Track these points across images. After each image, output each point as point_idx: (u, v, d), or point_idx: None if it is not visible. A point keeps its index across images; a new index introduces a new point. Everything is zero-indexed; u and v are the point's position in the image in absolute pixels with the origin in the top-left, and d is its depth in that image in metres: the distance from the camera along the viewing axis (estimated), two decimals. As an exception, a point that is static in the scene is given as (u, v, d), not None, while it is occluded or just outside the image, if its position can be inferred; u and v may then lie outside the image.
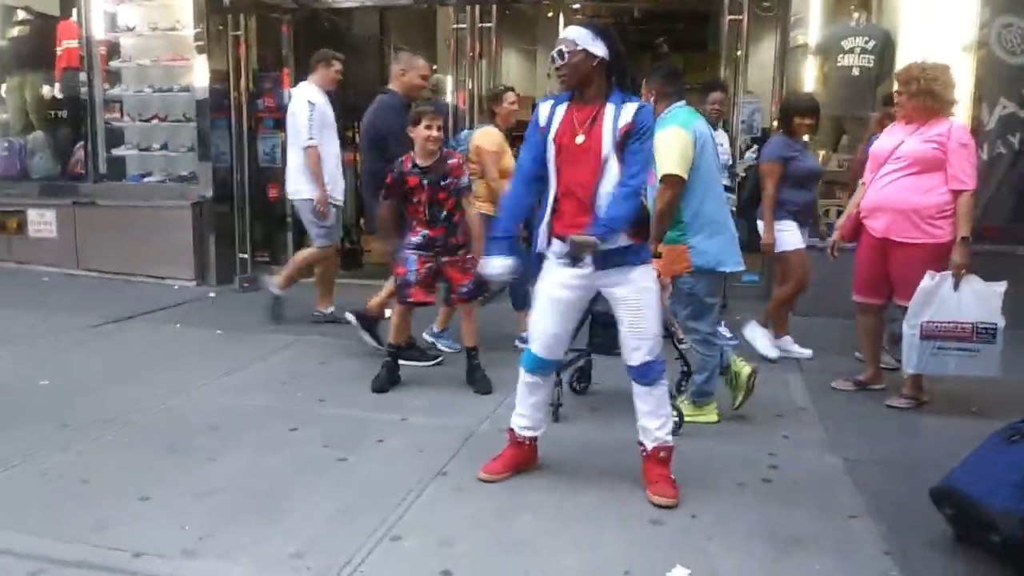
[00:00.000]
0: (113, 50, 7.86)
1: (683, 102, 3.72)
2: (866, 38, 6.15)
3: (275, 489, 3.07)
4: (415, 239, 4.21)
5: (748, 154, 6.58)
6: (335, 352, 5.05)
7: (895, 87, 4.11)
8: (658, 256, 3.46)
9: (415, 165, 4.12)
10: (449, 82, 7.86)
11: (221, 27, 7.39)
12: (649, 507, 2.93)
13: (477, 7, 6.81)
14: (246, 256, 7.55)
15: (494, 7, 6.91)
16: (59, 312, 6.11)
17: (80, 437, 3.57)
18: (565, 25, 13.50)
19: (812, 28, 6.34)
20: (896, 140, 3.98)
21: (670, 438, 3.07)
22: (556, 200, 2.95)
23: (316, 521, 2.82)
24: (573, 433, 3.69)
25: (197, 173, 7.51)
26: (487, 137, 4.94)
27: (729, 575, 2.53)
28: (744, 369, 3.83)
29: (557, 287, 2.99)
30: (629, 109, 2.86)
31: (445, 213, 4.19)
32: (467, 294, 4.24)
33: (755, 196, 4.93)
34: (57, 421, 3.73)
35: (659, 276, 3.24)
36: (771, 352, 4.88)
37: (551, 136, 2.93)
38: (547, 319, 3.05)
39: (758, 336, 4.95)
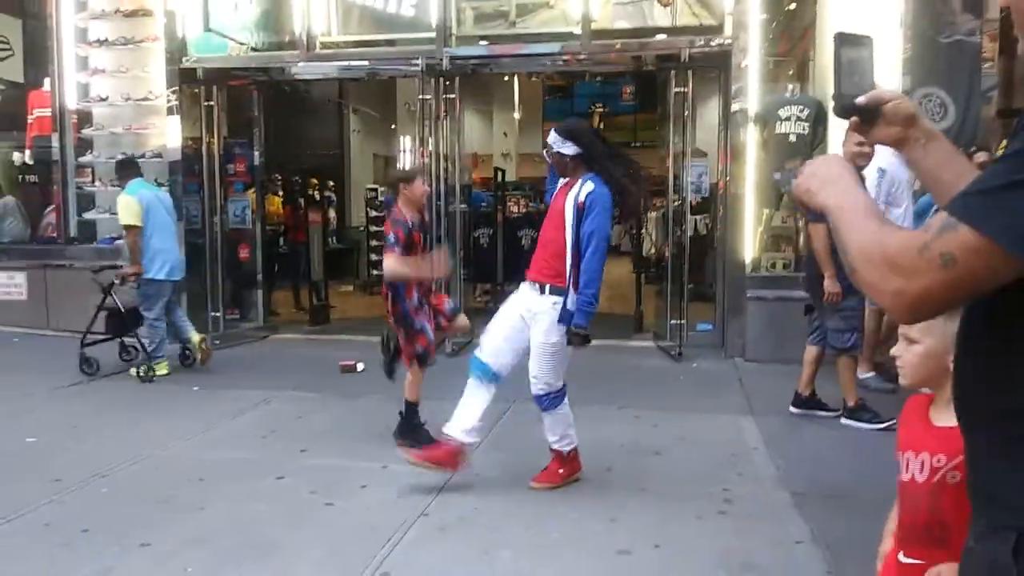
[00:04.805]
0: (84, 118, 8.09)
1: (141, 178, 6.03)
2: (801, 107, 6.71)
3: (267, 533, 3.27)
4: (414, 301, 4.18)
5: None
6: (310, 407, 5.25)
7: None
8: None
9: (414, 223, 4.17)
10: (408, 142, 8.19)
11: (195, 92, 7.70)
12: (615, 539, 3.21)
13: (442, 79, 7.22)
14: (218, 314, 7.74)
15: (457, 78, 7.33)
16: (34, 372, 6.22)
17: (75, 490, 3.73)
18: (519, 88, 14.12)
19: (751, 98, 6.84)
20: None
21: (565, 449, 3.76)
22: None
23: (309, 561, 3.03)
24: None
25: (169, 235, 7.69)
26: None
27: (690, 596, 2.82)
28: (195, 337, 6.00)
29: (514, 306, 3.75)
30: (584, 190, 3.57)
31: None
32: (454, 311, 4.57)
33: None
34: (50, 475, 3.88)
35: None
36: None
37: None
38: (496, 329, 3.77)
39: None
